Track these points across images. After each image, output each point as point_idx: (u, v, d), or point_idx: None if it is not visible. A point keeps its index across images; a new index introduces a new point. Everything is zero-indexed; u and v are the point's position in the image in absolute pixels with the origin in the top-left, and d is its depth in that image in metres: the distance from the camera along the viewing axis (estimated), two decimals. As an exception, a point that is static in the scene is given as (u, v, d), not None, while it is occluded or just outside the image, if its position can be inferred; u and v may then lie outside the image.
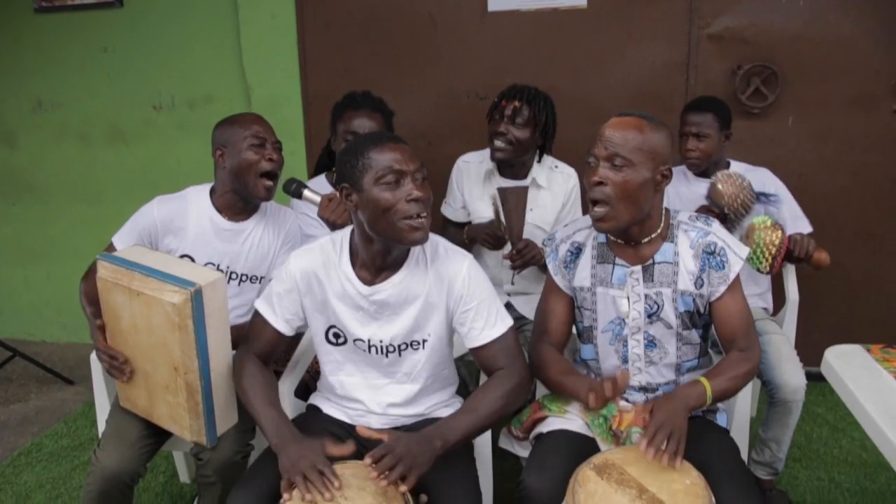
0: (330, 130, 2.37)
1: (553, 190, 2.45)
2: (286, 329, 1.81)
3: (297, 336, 1.95)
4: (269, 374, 1.81)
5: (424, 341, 1.77)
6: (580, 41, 2.93)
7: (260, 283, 2.17)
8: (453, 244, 1.80)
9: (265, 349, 1.83)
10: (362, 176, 1.62)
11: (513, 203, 2.24)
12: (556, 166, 2.49)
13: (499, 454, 1.96)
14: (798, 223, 2.43)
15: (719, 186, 2.22)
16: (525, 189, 2.26)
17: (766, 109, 2.83)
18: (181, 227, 2.10)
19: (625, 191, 1.66)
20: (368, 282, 1.72)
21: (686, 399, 1.63)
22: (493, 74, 2.93)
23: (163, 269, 1.78)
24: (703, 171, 2.47)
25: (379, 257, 1.70)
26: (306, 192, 2.13)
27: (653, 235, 1.76)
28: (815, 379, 2.75)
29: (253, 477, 1.66)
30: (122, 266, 1.81)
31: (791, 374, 2.19)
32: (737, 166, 2.48)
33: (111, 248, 2.14)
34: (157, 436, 1.97)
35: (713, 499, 1.50)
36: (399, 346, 1.77)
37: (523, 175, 2.45)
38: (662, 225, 1.77)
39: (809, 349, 2.44)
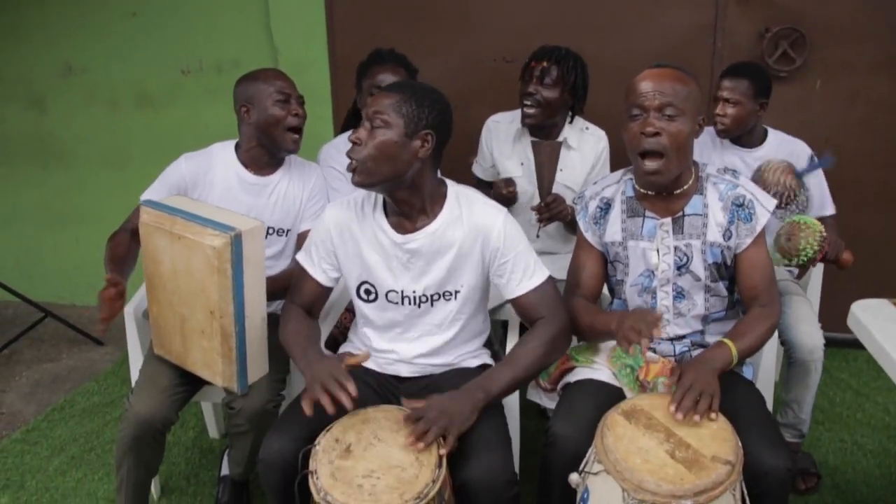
0: (356, 88, 2.39)
1: (583, 151, 2.46)
2: (325, 279, 1.85)
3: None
4: (311, 321, 1.86)
5: (457, 292, 1.80)
6: (606, 3, 2.92)
7: (286, 235, 2.21)
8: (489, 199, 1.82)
9: (307, 300, 1.87)
10: None
11: (545, 157, 2.26)
12: (587, 128, 2.50)
13: (524, 414, 1.99)
14: (825, 205, 2.42)
15: (764, 174, 2.21)
16: (559, 144, 2.28)
17: (793, 73, 2.81)
18: (208, 181, 2.14)
19: (678, 141, 1.67)
20: (402, 231, 1.76)
21: (713, 362, 1.65)
22: (519, 38, 2.92)
23: (204, 215, 1.82)
24: (735, 137, 2.42)
25: (404, 205, 1.73)
26: None
27: (685, 187, 1.77)
28: (839, 345, 2.78)
29: (286, 422, 1.70)
30: (165, 212, 1.85)
31: (808, 335, 2.19)
32: (773, 135, 2.44)
33: (139, 206, 2.17)
34: (190, 384, 2.01)
35: (740, 443, 1.52)
36: (431, 296, 1.80)
37: (554, 136, 2.46)
38: (693, 177, 1.78)
39: (833, 314, 2.44)
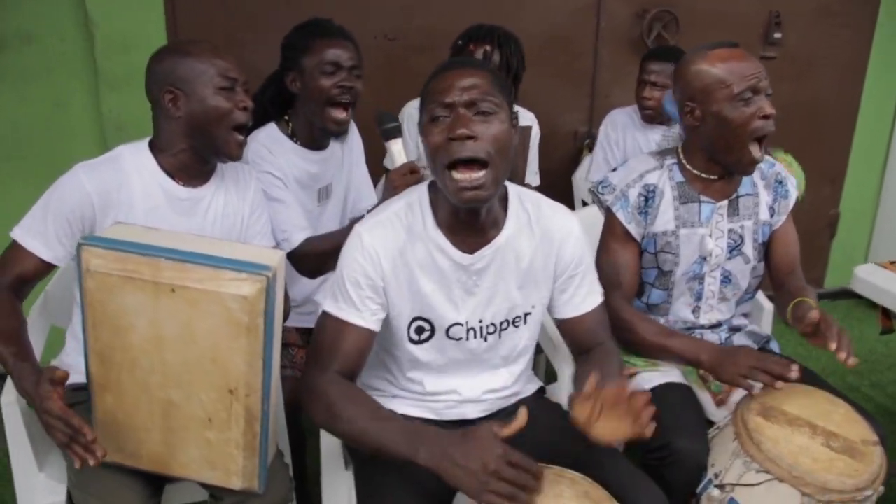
0: (286, 68, 1.86)
1: None
2: (375, 325, 1.39)
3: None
4: (358, 388, 1.38)
5: (527, 315, 1.49)
6: (493, -21, 2.74)
7: None
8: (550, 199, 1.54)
9: (353, 360, 1.37)
10: None
11: (517, 144, 2.02)
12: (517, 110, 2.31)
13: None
14: None
15: None
16: (529, 128, 2.05)
17: (665, 54, 2.92)
18: (123, 201, 1.50)
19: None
20: (466, 248, 1.40)
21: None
22: (401, 14, 2.63)
23: (197, 249, 1.26)
24: (652, 119, 2.49)
25: (480, 215, 1.37)
26: (394, 147, 1.73)
27: None
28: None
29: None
30: (134, 252, 1.24)
31: None
32: None
33: (15, 248, 1.47)
34: (158, 491, 1.45)
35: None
36: (500, 324, 1.47)
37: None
38: None
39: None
